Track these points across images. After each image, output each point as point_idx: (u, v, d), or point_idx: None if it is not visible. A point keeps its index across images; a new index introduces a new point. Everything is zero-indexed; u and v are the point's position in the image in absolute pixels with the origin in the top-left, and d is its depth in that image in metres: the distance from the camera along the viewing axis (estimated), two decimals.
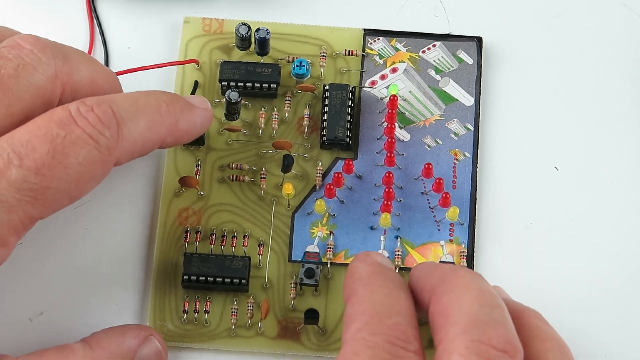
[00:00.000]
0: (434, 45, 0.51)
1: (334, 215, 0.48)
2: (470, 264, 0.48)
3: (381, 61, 0.51)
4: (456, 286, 0.40)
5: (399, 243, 0.48)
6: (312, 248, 0.48)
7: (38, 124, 0.41)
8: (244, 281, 0.46)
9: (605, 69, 0.51)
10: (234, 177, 0.49)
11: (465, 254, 0.48)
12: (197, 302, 0.47)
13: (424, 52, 0.51)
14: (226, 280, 0.46)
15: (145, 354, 0.44)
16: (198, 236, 0.48)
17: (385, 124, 0.49)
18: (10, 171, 0.40)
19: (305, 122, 0.50)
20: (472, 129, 0.49)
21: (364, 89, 0.50)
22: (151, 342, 0.45)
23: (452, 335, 0.39)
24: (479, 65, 0.50)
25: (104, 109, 0.42)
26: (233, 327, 0.47)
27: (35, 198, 0.40)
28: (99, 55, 0.51)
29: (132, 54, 0.51)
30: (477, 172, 0.49)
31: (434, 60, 0.51)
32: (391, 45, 0.51)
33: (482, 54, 0.51)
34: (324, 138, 0.49)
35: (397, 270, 0.47)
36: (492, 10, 0.52)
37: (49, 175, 0.40)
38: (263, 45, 0.49)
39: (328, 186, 0.48)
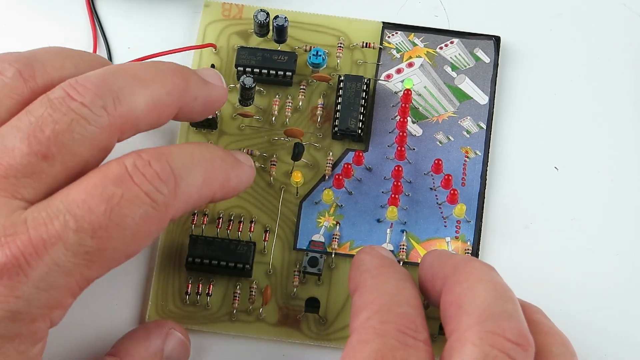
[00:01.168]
0: (451, 42, 0.51)
1: (342, 205, 0.48)
2: None
3: (398, 55, 0.50)
4: (470, 276, 0.40)
5: (404, 237, 0.48)
6: (318, 237, 0.48)
7: (94, 182, 0.39)
8: (248, 266, 0.46)
9: (606, 69, 0.51)
10: None
11: (470, 252, 0.47)
12: (200, 285, 0.47)
13: (441, 48, 0.51)
14: (230, 264, 0.46)
15: (172, 349, 0.45)
16: (205, 219, 0.48)
17: (398, 117, 0.49)
18: (67, 235, 0.38)
19: (318, 112, 0.50)
20: (485, 128, 0.49)
21: (379, 81, 0.50)
22: (173, 335, 0.45)
23: (465, 325, 0.39)
24: (496, 65, 0.50)
25: (162, 164, 0.40)
26: (234, 311, 0.47)
27: (92, 260, 0.39)
28: (102, 53, 0.51)
29: (134, 50, 0.51)
30: (487, 170, 0.49)
31: (451, 57, 0.50)
32: (409, 39, 0.51)
33: (500, 53, 0.50)
34: (336, 128, 0.49)
35: (400, 264, 0.47)
36: (492, 11, 0.51)
37: (106, 236, 0.39)
38: (281, 33, 0.49)
39: (337, 176, 0.48)
